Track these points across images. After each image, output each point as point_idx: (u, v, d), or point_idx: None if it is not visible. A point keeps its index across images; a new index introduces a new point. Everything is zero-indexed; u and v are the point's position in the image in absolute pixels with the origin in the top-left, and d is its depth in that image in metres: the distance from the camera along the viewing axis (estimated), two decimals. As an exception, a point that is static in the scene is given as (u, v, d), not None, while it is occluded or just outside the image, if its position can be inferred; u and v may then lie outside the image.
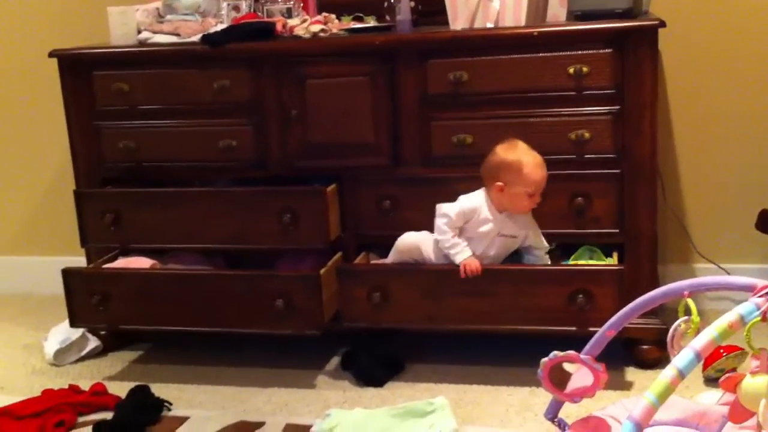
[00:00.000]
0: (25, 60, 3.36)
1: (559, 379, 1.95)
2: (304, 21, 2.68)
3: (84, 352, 2.84)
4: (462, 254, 2.38)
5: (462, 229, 2.41)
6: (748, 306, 1.45)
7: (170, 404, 2.44)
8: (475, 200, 2.42)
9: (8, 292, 3.50)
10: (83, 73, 2.74)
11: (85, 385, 2.54)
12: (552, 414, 2.07)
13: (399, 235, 2.54)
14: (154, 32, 2.79)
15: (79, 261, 2.86)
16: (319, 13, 2.80)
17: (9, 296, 3.47)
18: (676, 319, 1.67)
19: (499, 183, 2.36)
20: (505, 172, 2.35)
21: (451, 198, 2.46)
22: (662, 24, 2.33)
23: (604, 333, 1.90)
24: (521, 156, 2.34)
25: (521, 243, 2.47)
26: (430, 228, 2.47)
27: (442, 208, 2.42)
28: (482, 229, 2.40)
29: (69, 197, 2.71)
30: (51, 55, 2.74)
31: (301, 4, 2.84)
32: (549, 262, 2.48)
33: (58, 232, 3.40)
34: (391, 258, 2.52)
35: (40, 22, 3.33)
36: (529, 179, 2.33)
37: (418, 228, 2.50)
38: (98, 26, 2.95)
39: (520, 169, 2.33)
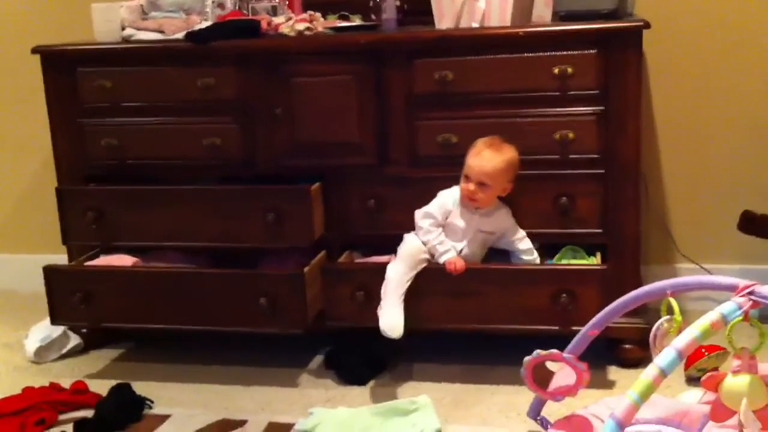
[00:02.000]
0: (7, 56, 3.33)
1: (542, 377, 1.96)
2: (290, 19, 2.67)
3: (65, 350, 2.82)
4: (447, 254, 2.39)
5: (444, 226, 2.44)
6: (729, 306, 1.46)
7: (152, 402, 2.43)
8: (454, 193, 2.45)
9: (-11, 290, 3.47)
10: (66, 70, 2.72)
11: (66, 383, 2.53)
12: (535, 412, 2.08)
13: (384, 235, 2.55)
14: (138, 29, 2.77)
15: (61, 259, 2.84)
16: (305, 11, 2.79)
17: (-10, 294, 3.45)
18: (659, 318, 1.68)
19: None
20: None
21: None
22: (647, 25, 2.34)
23: (586, 332, 1.91)
24: (479, 142, 2.40)
25: (500, 241, 2.48)
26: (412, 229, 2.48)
27: (423, 210, 2.44)
28: (460, 223, 2.42)
29: (51, 195, 2.68)
30: (34, 51, 2.72)
31: (287, 2, 2.83)
32: (538, 260, 2.48)
33: (39, 229, 3.38)
34: (400, 263, 2.42)
35: (23, 17, 3.31)
36: (469, 160, 2.40)
37: (402, 227, 2.50)
38: (82, 23, 2.93)
39: (470, 150, 2.40)
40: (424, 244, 2.42)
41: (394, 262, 2.40)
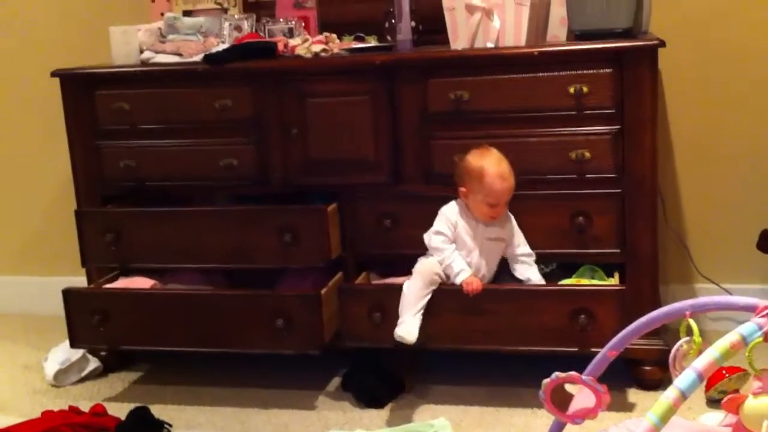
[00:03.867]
0: (27, 79, 3.37)
1: (561, 400, 1.94)
2: (306, 41, 2.69)
3: (84, 373, 2.83)
4: (463, 274, 2.37)
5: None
6: (749, 326, 1.44)
7: (170, 425, 2.43)
8: (450, 210, 2.44)
9: (9, 312, 3.49)
10: (85, 93, 2.74)
11: (85, 406, 2.52)
12: (554, 435, 2.06)
13: (400, 254, 2.55)
14: (156, 52, 2.80)
15: (81, 281, 2.85)
16: (321, 33, 2.81)
17: (10, 316, 3.47)
18: (678, 339, 1.66)
19: (463, 188, 2.39)
20: (469, 179, 2.37)
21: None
22: (662, 44, 2.34)
23: (605, 353, 1.89)
24: (486, 164, 2.35)
25: (508, 247, 2.46)
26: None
27: (431, 231, 2.43)
28: (467, 236, 2.41)
29: (70, 217, 2.70)
30: (53, 74, 2.75)
31: (303, 24, 2.85)
32: (536, 270, 2.45)
33: (59, 252, 3.39)
34: (415, 279, 2.41)
35: (43, 41, 3.35)
36: (489, 189, 2.35)
37: (418, 245, 2.49)
38: (100, 46, 2.96)
39: (481, 177, 2.35)
40: (439, 263, 2.41)
41: (410, 279, 2.40)
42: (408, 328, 2.32)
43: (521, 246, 2.45)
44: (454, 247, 2.42)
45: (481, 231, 2.42)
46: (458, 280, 2.37)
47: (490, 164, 2.35)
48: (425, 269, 2.40)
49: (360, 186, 2.59)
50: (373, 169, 2.56)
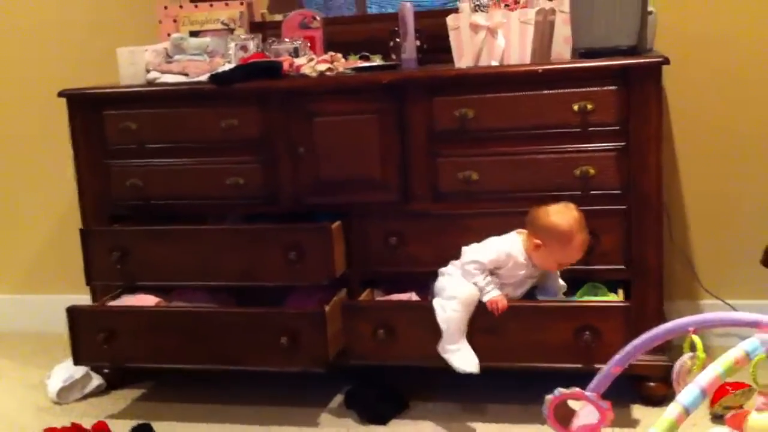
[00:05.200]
0: (34, 99, 3.39)
1: (564, 416, 1.93)
2: (311, 60, 2.70)
3: (87, 390, 2.83)
4: (491, 293, 2.35)
5: (495, 273, 2.39)
6: (753, 342, 1.44)
7: (174, 442, 2.43)
8: (509, 245, 2.39)
9: (15, 331, 3.49)
10: (92, 113, 2.76)
11: (88, 424, 2.52)
12: (558, 452, 2.05)
13: (405, 272, 2.56)
14: (163, 72, 2.81)
15: (86, 299, 2.86)
16: (326, 52, 2.83)
17: (16, 334, 3.47)
18: (683, 355, 1.66)
19: (538, 241, 2.35)
20: (549, 237, 2.33)
21: (459, 234, 2.47)
22: (666, 61, 2.35)
23: (609, 369, 1.89)
24: (574, 231, 2.32)
25: (545, 282, 2.47)
26: (442, 263, 2.46)
27: (472, 254, 2.39)
28: (517, 272, 2.39)
29: (76, 236, 2.71)
30: (60, 94, 2.77)
31: (309, 44, 2.87)
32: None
33: (65, 270, 3.40)
34: (461, 306, 2.35)
35: (50, 62, 3.37)
36: (569, 254, 2.34)
37: (423, 263, 2.49)
38: (107, 66, 2.99)
39: (566, 242, 2.32)
40: (473, 283, 2.37)
41: (455, 303, 2.33)
42: (471, 360, 2.31)
43: (558, 282, 2.45)
44: (486, 275, 2.36)
45: (529, 271, 2.40)
46: (486, 298, 2.34)
47: (577, 231, 2.32)
48: (468, 298, 2.34)
49: (368, 205, 2.59)
50: (380, 187, 2.57)
